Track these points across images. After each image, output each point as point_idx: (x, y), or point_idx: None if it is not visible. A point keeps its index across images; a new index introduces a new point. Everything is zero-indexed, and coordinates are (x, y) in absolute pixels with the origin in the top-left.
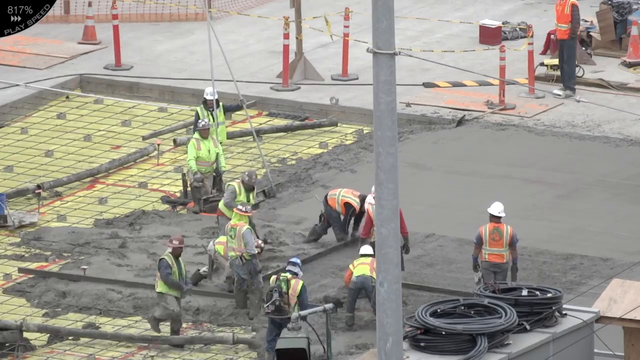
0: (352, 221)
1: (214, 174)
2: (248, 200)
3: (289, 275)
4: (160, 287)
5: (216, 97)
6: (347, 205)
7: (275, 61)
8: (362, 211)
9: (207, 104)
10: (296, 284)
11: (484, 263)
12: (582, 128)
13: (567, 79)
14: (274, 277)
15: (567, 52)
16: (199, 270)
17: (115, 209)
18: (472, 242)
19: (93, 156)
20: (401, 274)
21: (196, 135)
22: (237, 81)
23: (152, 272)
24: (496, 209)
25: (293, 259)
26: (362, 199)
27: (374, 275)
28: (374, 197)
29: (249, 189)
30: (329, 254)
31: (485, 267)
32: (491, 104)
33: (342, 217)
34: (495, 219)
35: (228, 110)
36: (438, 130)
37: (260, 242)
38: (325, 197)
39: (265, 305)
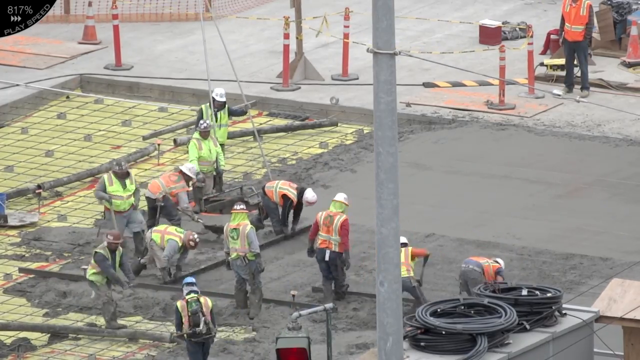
0: (291, 214)
1: (214, 173)
2: (124, 188)
3: (194, 295)
4: (91, 275)
5: (225, 99)
6: (285, 197)
7: (275, 61)
8: (300, 202)
9: (214, 104)
10: (206, 301)
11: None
12: (581, 128)
13: (585, 79)
14: (182, 303)
15: (583, 54)
16: (139, 259)
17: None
18: (472, 242)
19: (93, 156)
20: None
21: (196, 135)
22: (239, 81)
23: (153, 272)
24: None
25: (187, 280)
26: (300, 192)
27: (412, 274)
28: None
29: (122, 176)
30: (268, 247)
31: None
32: (491, 104)
33: (279, 208)
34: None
35: (232, 113)
36: (438, 130)
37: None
38: (263, 188)
39: (198, 330)
